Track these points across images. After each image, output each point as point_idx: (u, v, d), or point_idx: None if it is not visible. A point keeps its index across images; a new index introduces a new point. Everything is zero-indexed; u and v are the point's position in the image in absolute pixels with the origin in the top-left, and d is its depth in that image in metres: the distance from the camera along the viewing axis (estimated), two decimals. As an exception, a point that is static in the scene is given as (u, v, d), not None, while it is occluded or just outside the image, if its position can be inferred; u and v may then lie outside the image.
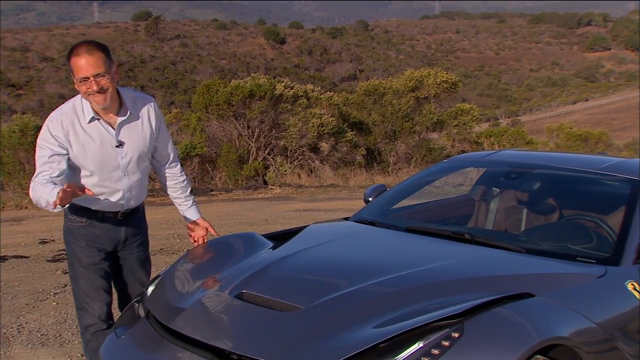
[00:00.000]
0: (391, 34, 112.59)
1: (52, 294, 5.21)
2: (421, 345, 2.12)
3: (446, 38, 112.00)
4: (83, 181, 2.86)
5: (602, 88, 79.84)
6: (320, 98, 16.47)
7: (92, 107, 2.81)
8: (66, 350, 4.00)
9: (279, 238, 3.29)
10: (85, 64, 2.70)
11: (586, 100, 69.33)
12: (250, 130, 14.93)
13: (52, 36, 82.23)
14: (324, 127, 15.20)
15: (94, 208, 2.93)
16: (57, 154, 2.77)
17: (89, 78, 2.71)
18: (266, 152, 15.13)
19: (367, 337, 2.16)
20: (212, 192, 12.45)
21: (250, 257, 2.95)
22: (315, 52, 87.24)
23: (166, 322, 2.52)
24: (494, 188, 3.98)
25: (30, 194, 2.73)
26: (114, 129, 2.86)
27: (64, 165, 2.78)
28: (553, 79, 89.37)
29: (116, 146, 2.86)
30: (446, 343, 2.11)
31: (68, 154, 2.80)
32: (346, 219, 3.72)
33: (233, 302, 2.51)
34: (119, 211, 2.98)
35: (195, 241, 3.28)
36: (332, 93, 17.77)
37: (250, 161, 14.72)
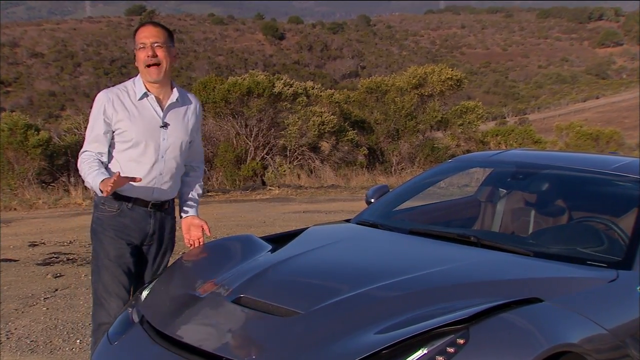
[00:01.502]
0: (394, 29, 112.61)
1: (42, 298, 5.21)
2: (425, 351, 2.12)
3: (451, 33, 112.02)
4: (121, 155, 3.03)
5: (613, 85, 79.81)
6: (321, 96, 16.49)
7: (144, 84, 3.04)
8: (56, 357, 4.00)
9: (278, 241, 3.29)
10: (147, 32, 3.01)
11: (597, 97, 69.34)
12: (248, 129, 14.94)
13: (42, 31, 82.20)
14: (324, 126, 15.21)
15: (124, 193, 3.04)
16: (104, 132, 3.00)
17: (146, 44, 2.97)
18: (265, 151, 15.14)
19: (369, 343, 2.16)
20: (209, 193, 12.46)
21: (248, 260, 2.96)
22: (316, 48, 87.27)
23: (161, 328, 2.53)
24: (500, 189, 3.98)
25: (79, 167, 3.01)
26: (162, 109, 3.06)
27: (107, 147, 3.02)
28: (562, 76, 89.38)
29: (161, 126, 3.04)
30: (451, 350, 2.11)
31: (113, 131, 3.01)
32: (347, 220, 3.72)
33: (230, 307, 2.51)
34: (150, 202, 3.08)
35: (191, 244, 3.28)
36: (332, 90, 17.79)
37: (248, 161, 14.72)
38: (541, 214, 3.69)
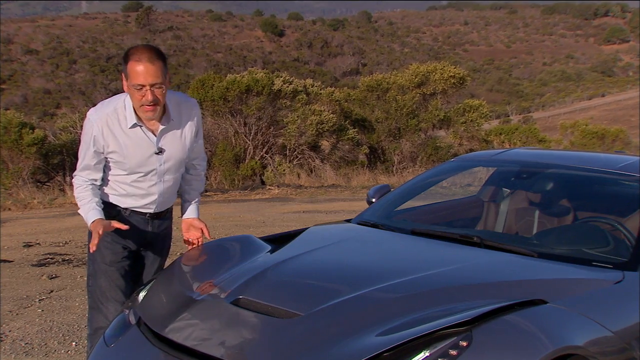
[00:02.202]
0: (396, 25, 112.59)
1: (37, 300, 5.21)
2: (427, 354, 2.12)
3: (454, 30, 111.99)
4: (116, 179, 3.01)
5: (619, 83, 79.73)
6: (321, 94, 16.49)
7: (135, 112, 2.90)
8: (52, 360, 4.01)
9: (278, 241, 3.30)
10: (144, 71, 2.78)
11: (603, 95, 69.30)
12: (247, 128, 14.94)
13: (37, 27, 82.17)
14: (324, 125, 15.22)
15: (123, 206, 3.06)
16: (96, 163, 2.97)
17: (144, 86, 2.80)
18: (264, 150, 15.14)
19: (370, 345, 2.16)
20: (207, 193, 12.47)
21: (247, 261, 2.96)
22: (316, 45, 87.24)
23: (158, 330, 2.53)
24: (504, 189, 3.99)
25: (74, 191, 3.03)
26: (155, 135, 2.96)
27: (101, 173, 3.00)
28: (567, 73, 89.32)
29: (156, 153, 2.97)
30: (454, 352, 2.12)
31: (106, 158, 2.96)
32: (348, 221, 3.73)
33: (229, 309, 2.51)
34: (147, 213, 3.09)
35: (189, 244, 3.29)
36: (333, 88, 17.80)
37: (247, 160, 14.73)
38: (545, 214, 3.69)
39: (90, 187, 2.98)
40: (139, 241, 3.12)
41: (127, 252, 3.09)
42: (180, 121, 3.02)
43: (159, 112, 2.92)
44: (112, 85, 61.60)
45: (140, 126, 2.92)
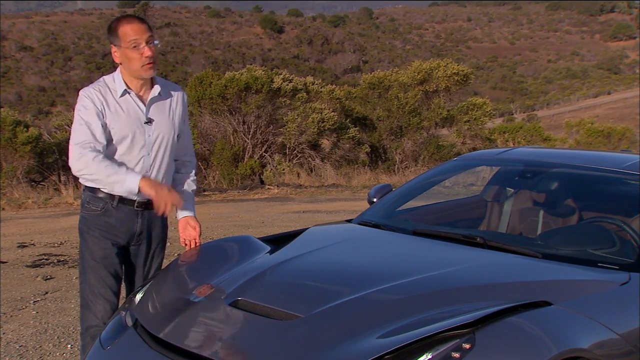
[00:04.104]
0: (397, 22, 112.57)
1: (31, 302, 5.21)
2: (429, 357, 2.13)
3: (457, 26, 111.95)
4: (106, 152, 2.98)
5: (626, 80, 79.67)
6: (321, 91, 16.49)
7: (124, 80, 3.03)
8: (47, 363, 4.01)
9: (277, 241, 3.30)
10: (137, 28, 2.97)
11: (609, 93, 69.28)
12: (246, 126, 14.94)
13: (31, 24, 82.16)
14: (324, 123, 15.22)
15: (107, 191, 3.01)
16: (100, 123, 2.93)
17: (140, 42, 2.94)
18: (263, 149, 15.15)
19: (371, 347, 2.16)
20: (205, 192, 12.47)
21: (246, 262, 2.96)
22: (316, 42, 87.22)
23: (155, 332, 2.53)
24: (507, 188, 3.99)
25: (79, 167, 2.89)
26: (144, 105, 3.05)
27: (104, 142, 2.94)
28: (573, 71, 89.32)
29: (145, 122, 3.03)
30: (456, 355, 2.12)
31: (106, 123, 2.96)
32: (349, 221, 3.73)
33: (227, 311, 2.51)
34: (135, 200, 3.04)
35: (186, 244, 3.29)
36: (333, 86, 17.78)
37: (246, 159, 14.72)
38: (550, 214, 3.69)
39: (101, 156, 2.87)
40: (129, 235, 3.09)
41: (117, 249, 3.07)
42: (168, 97, 3.14)
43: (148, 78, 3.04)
44: (108, 83, 61.48)
45: (129, 92, 3.02)
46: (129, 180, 2.89)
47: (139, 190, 2.89)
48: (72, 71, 69.90)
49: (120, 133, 2.97)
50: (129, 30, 2.95)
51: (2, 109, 13.93)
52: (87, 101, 2.98)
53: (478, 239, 3.11)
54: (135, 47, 2.95)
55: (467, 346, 2.13)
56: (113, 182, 2.90)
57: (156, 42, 3.01)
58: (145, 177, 2.92)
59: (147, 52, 2.95)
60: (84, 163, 2.88)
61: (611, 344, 2.44)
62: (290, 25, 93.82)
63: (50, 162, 13.40)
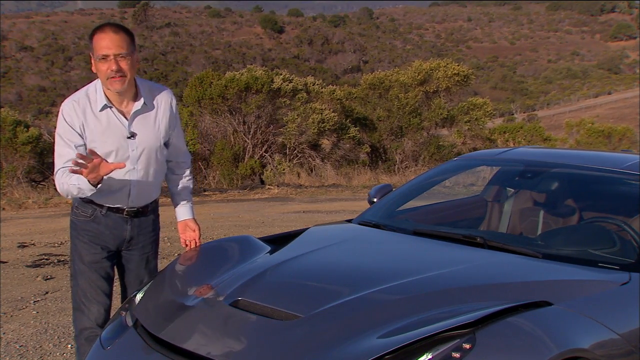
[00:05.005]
0: (398, 22, 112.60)
1: (31, 302, 5.21)
2: (430, 357, 2.13)
3: (457, 27, 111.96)
4: None
5: (626, 80, 79.64)
6: (321, 92, 16.49)
7: (105, 94, 2.90)
8: (47, 363, 4.01)
9: (277, 242, 3.30)
10: (108, 41, 2.82)
11: (609, 93, 69.28)
12: (246, 126, 14.95)
13: (32, 24, 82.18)
14: (325, 123, 15.22)
15: (97, 201, 2.99)
16: (78, 146, 2.86)
17: (109, 56, 2.81)
18: (263, 149, 15.15)
19: (371, 348, 2.16)
20: (205, 193, 12.47)
21: (246, 262, 2.96)
22: (316, 42, 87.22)
23: (156, 332, 2.53)
24: (508, 188, 3.99)
25: (59, 189, 2.88)
26: (127, 119, 2.94)
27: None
28: (573, 71, 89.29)
29: (128, 137, 2.93)
30: (456, 355, 2.12)
31: (85, 144, 2.88)
32: (349, 221, 3.73)
33: (228, 311, 2.51)
34: (124, 209, 3.02)
35: (187, 245, 3.29)
36: (334, 86, 17.79)
37: (246, 159, 14.73)
38: (550, 214, 3.69)
39: (65, 168, 2.82)
40: (118, 242, 3.06)
41: (106, 253, 3.05)
42: (153, 106, 3.00)
43: (128, 89, 2.89)
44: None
45: (110, 107, 2.90)
46: (80, 180, 2.77)
47: (97, 184, 2.76)
48: (72, 71, 69.89)
49: (103, 149, 2.88)
50: (100, 41, 2.82)
51: (2, 109, 13.93)
52: (65, 124, 2.88)
53: (478, 239, 3.11)
54: (103, 59, 2.82)
55: (468, 346, 2.13)
56: (79, 187, 2.79)
57: (133, 52, 2.86)
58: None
59: (112, 66, 2.81)
60: (59, 182, 2.86)
61: (611, 344, 2.44)
62: (290, 25, 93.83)
63: (50, 162, 13.38)
